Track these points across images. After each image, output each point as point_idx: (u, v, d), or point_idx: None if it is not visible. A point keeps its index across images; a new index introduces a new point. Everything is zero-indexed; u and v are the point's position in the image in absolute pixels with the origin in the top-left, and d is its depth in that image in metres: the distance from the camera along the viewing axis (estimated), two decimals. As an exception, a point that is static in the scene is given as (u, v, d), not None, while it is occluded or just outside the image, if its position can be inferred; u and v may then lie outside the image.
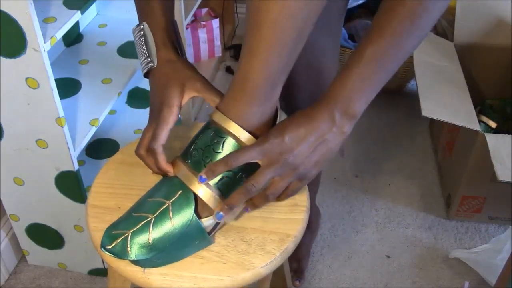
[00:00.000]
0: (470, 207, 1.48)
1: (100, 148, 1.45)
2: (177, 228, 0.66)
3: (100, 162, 1.40)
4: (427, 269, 1.39)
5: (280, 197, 0.71)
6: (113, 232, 0.66)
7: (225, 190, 0.68)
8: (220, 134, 0.67)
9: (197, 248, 0.68)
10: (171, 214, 0.66)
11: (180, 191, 0.67)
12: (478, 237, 1.48)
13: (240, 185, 0.68)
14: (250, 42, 0.64)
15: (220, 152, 0.67)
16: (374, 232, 1.49)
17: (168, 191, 0.68)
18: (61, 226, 1.24)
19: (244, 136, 0.67)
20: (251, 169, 0.68)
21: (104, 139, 1.47)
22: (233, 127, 0.67)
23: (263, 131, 0.69)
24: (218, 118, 0.68)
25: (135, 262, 0.66)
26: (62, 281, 1.33)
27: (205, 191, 0.67)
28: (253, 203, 0.71)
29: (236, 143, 0.67)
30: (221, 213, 0.66)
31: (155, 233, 0.65)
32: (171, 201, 0.67)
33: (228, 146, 0.67)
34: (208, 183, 0.67)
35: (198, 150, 0.68)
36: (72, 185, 1.13)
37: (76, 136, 1.10)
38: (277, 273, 0.95)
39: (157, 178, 0.73)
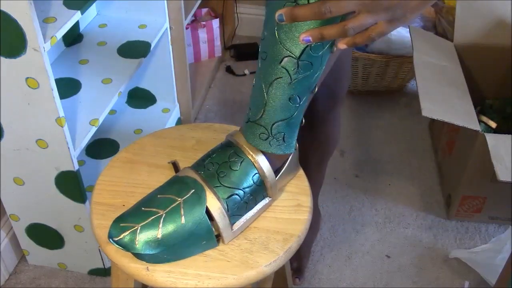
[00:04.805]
0: (470, 207, 1.48)
1: (100, 148, 1.45)
2: (187, 226, 0.66)
3: (100, 162, 1.40)
4: (427, 269, 1.39)
5: (360, 37, 0.62)
6: (121, 225, 0.67)
7: (232, 206, 0.69)
8: (240, 154, 0.70)
9: (203, 248, 0.69)
10: (182, 211, 0.67)
11: (192, 190, 0.68)
12: (478, 237, 1.48)
13: (247, 204, 0.70)
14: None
15: (237, 170, 0.69)
16: (374, 232, 1.49)
17: (180, 189, 0.69)
18: (61, 226, 1.24)
19: (265, 166, 0.70)
20: (259, 191, 0.71)
21: (104, 139, 1.47)
22: (255, 152, 0.70)
23: (276, 164, 0.73)
24: (243, 141, 0.71)
25: (140, 257, 0.66)
26: (62, 281, 1.33)
27: (214, 203, 0.68)
28: (322, 32, 0.62)
29: (254, 166, 0.70)
30: (309, 37, 0.61)
31: (165, 229, 0.66)
32: (183, 199, 0.68)
33: (245, 166, 0.70)
34: (219, 196, 0.68)
35: (214, 164, 0.70)
36: (72, 185, 1.13)
37: (76, 136, 1.10)
38: (279, 273, 0.95)
39: (161, 177, 0.74)
